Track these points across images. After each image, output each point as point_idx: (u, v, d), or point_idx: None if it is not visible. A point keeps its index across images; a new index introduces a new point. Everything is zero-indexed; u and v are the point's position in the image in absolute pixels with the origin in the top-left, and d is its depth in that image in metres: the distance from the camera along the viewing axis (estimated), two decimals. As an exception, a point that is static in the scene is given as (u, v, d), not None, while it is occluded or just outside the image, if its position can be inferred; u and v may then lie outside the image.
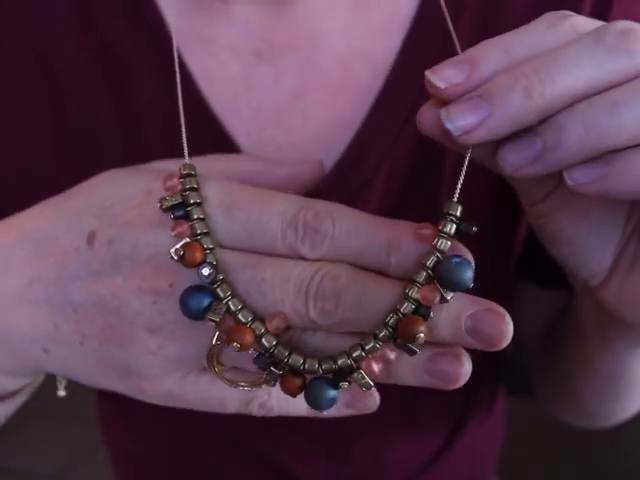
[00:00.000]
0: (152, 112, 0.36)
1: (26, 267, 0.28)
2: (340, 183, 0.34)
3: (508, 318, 0.23)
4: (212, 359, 0.25)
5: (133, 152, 0.34)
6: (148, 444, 0.50)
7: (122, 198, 0.26)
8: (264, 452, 0.47)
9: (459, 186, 0.24)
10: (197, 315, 0.24)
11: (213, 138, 0.36)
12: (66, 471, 1.84)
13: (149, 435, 0.49)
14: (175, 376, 0.27)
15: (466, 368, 0.24)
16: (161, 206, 0.25)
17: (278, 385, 0.25)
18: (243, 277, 0.24)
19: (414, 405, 0.47)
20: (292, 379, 0.24)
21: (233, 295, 0.24)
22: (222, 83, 0.37)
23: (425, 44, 0.36)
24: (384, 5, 0.36)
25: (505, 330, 0.23)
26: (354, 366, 0.24)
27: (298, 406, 0.28)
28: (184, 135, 0.28)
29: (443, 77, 0.22)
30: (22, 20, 0.38)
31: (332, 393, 0.24)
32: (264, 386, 0.26)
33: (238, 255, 0.24)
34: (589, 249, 0.28)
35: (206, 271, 0.24)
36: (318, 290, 0.23)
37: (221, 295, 0.24)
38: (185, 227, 0.24)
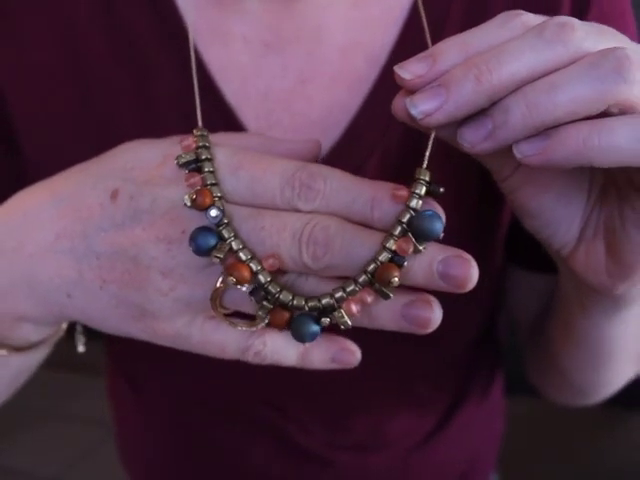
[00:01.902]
0: (169, 97, 0.40)
1: (53, 222, 0.31)
2: (337, 163, 0.36)
3: (474, 263, 0.27)
4: (215, 300, 0.29)
5: (151, 135, 0.36)
6: (154, 416, 0.53)
7: (142, 161, 0.30)
8: (265, 420, 0.48)
9: (427, 154, 0.28)
10: (204, 252, 0.27)
11: (225, 122, 0.39)
12: (66, 471, 1.84)
13: (155, 406, 0.52)
14: (184, 318, 0.30)
15: (436, 314, 0.28)
16: (178, 162, 0.28)
17: (271, 339, 0.30)
18: (245, 226, 0.28)
19: (411, 382, 0.49)
20: (281, 313, 0.28)
21: (236, 236, 0.28)
22: (233, 71, 0.40)
23: (420, 35, 0.38)
24: (382, 3, 0.40)
25: (471, 272, 0.26)
26: (336, 306, 0.28)
27: (288, 357, 0.31)
28: (199, 117, 0.33)
29: (409, 71, 0.26)
30: (52, 5, 0.41)
31: (314, 328, 0.28)
32: (260, 338, 0.30)
33: (242, 208, 0.28)
34: (556, 220, 0.31)
35: (214, 212, 0.27)
36: (310, 237, 0.27)
37: (225, 236, 0.27)
38: (197, 178, 0.28)
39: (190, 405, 0.50)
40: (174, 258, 0.28)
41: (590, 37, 0.25)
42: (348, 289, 0.27)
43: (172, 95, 0.40)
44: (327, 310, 0.28)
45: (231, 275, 0.27)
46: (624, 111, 0.24)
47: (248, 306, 0.29)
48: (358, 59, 0.39)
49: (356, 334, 0.31)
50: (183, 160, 0.28)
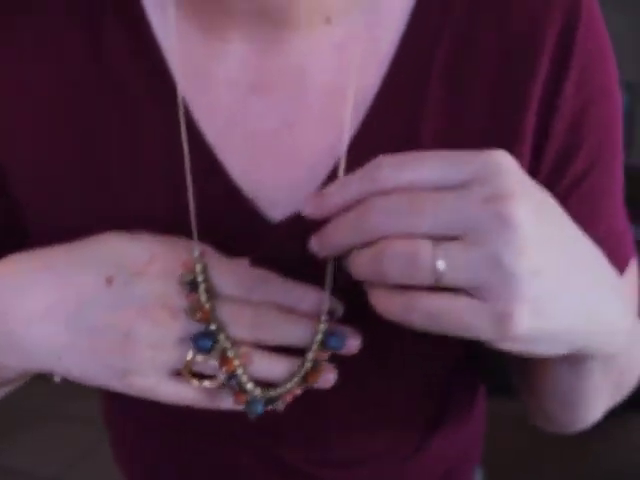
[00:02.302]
0: (156, 142, 0.41)
1: (48, 292, 0.36)
2: None
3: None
4: (187, 369, 0.36)
5: (140, 184, 0.41)
6: (147, 433, 0.54)
7: (131, 257, 0.36)
8: (249, 437, 0.49)
9: (329, 276, 0.37)
10: (204, 351, 0.36)
11: (209, 166, 0.40)
12: (66, 471, 1.84)
13: (147, 425, 0.54)
14: (159, 377, 0.36)
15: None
16: (181, 280, 0.36)
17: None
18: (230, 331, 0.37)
19: (390, 405, 0.49)
20: (243, 395, 0.38)
21: (226, 341, 0.37)
22: (219, 113, 0.41)
23: (405, 78, 0.39)
24: (365, 43, 0.39)
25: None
26: (279, 397, 0.38)
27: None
28: (187, 166, 0.39)
29: (310, 205, 0.33)
30: (43, 52, 0.42)
31: (260, 409, 0.38)
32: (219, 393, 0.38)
33: (230, 316, 0.37)
34: None
35: (213, 326, 0.36)
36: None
37: (220, 340, 0.37)
38: (195, 296, 0.36)
39: (177, 425, 0.50)
40: (162, 336, 0.35)
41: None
42: (288, 386, 0.38)
43: (158, 139, 0.41)
44: (272, 399, 0.38)
45: (222, 367, 0.36)
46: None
47: (214, 373, 0.37)
48: (343, 102, 0.39)
49: (334, 359, 0.38)
50: (185, 279, 0.36)
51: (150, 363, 0.35)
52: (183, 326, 0.35)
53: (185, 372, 0.36)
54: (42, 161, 0.42)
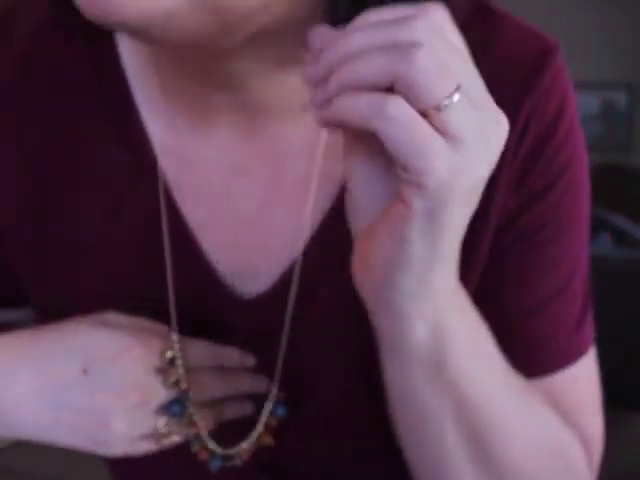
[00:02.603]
0: (135, 217, 0.44)
1: (34, 379, 0.40)
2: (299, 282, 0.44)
3: None
4: (159, 433, 0.42)
5: (119, 249, 0.44)
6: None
7: (107, 348, 0.40)
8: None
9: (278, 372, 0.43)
10: (177, 416, 0.42)
11: (185, 244, 0.43)
12: (66, 471, 1.84)
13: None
14: (134, 443, 0.41)
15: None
16: (162, 355, 0.41)
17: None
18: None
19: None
20: (204, 452, 0.44)
21: (194, 408, 0.42)
22: (199, 193, 0.43)
23: None
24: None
25: None
26: (235, 455, 0.45)
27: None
28: (167, 244, 0.42)
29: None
30: (22, 132, 0.44)
31: (219, 464, 0.44)
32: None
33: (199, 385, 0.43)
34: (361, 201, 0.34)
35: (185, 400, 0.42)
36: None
37: (189, 407, 0.42)
38: (172, 371, 0.41)
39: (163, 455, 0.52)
40: (137, 414, 0.40)
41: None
42: (243, 446, 0.44)
43: (139, 216, 0.43)
44: (231, 456, 0.44)
45: (190, 429, 0.42)
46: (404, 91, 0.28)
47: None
48: (316, 186, 0.42)
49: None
50: (168, 357, 0.41)
51: (128, 436, 0.40)
52: (155, 402, 0.41)
53: (157, 435, 0.42)
54: (25, 237, 0.46)
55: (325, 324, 0.43)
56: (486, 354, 0.39)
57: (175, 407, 0.41)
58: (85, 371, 0.40)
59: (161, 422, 0.41)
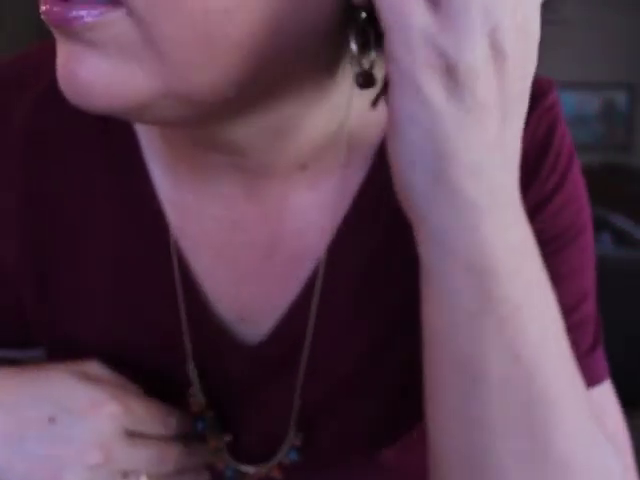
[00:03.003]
0: (146, 271, 0.45)
1: None
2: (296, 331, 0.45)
3: None
4: None
5: (131, 302, 0.44)
6: None
7: (78, 400, 0.40)
8: None
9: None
10: None
11: (195, 295, 0.44)
12: None
13: None
14: None
15: None
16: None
17: None
18: None
19: None
20: None
21: None
22: (204, 246, 0.44)
23: (366, 215, 0.43)
24: (333, 184, 0.43)
25: None
26: None
27: None
28: (181, 301, 0.43)
29: None
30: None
31: None
32: None
33: None
34: None
35: None
36: None
37: None
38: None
39: None
40: (93, 476, 0.39)
41: None
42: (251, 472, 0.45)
43: (150, 270, 0.44)
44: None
45: None
46: None
47: None
48: (312, 238, 0.43)
49: None
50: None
51: None
52: (116, 466, 0.40)
53: None
54: (31, 286, 0.46)
55: (333, 362, 0.44)
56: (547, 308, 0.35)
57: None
58: (52, 420, 0.40)
59: None
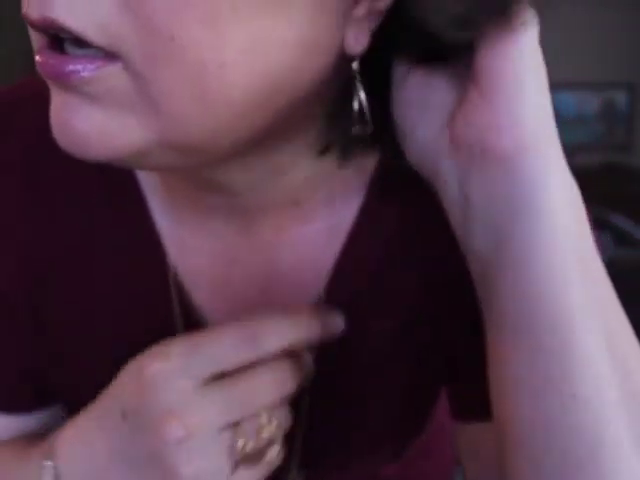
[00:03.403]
0: (147, 307, 0.45)
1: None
2: None
3: None
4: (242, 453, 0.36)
5: (130, 332, 0.44)
6: None
7: (151, 406, 0.36)
8: None
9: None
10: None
11: (192, 330, 0.43)
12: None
13: None
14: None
15: None
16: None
17: None
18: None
19: None
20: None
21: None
22: (203, 281, 0.45)
23: (362, 247, 0.44)
24: (327, 218, 0.43)
25: None
26: None
27: None
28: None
29: None
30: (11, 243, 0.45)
31: None
32: None
33: None
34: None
35: None
36: None
37: None
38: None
39: None
40: (206, 452, 0.35)
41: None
42: None
43: (148, 300, 0.44)
44: None
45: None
46: None
47: None
48: (308, 272, 0.44)
49: None
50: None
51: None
52: (209, 426, 0.35)
53: (241, 457, 0.35)
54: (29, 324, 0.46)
55: (334, 397, 0.45)
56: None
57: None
58: (125, 415, 0.37)
59: (240, 441, 0.35)
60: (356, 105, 0.34)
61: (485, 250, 0.33)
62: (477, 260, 0.34)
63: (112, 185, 0.43)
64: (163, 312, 0.44)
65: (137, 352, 0.42)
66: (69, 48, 0.29)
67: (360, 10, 0.31)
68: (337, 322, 0.41)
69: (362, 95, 0.34)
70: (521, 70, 0.32)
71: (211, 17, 0.27)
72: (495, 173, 0.31)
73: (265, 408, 0.36)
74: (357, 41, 0.31)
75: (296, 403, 0.43)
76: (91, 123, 0.29)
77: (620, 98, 3.82)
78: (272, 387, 0.36)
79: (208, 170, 0.37)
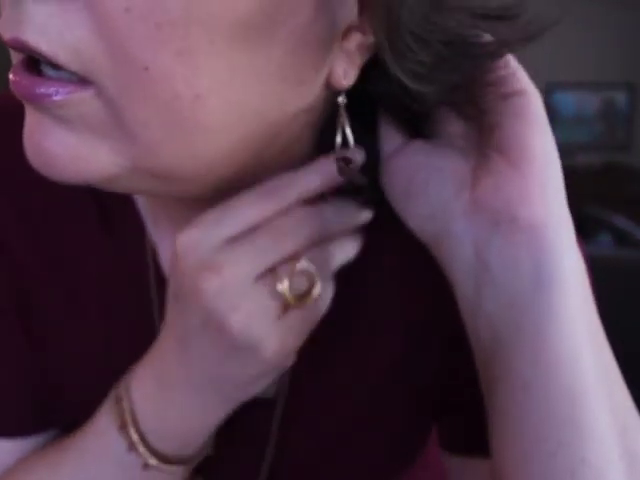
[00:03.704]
0: (130, 324, 0.43)
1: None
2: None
3: None
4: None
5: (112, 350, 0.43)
6: None
7: (187, 274, 0.34)
8: None
9: None
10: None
11: None
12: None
13: None
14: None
15: None
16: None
17: None
18: None
19: None
20: None
21: None
22: None
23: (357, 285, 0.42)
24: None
25: None
26: None
27: None
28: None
29: None
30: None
31: None
32: None
33: None
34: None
35: None
36: None
37: None
38: None
39: None
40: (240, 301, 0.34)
41: None
42: None
43: (134, 320, 0.42)
44: None
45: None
46: None
47: None
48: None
49: None
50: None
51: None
52: (241, 273, 0.34)
53: (286, 299, 0.34)
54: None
55: (301, 444, 0.44)
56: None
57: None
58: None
59: (283, 282, 0.34)
60: (339, 138, 0.34)
61: (498, 313, 0.33)
62: (487, 322, 0.34)
63: (105, 199, 0.42)
64: (158, 325, 0.42)
65: (129, 367, 0.41)
66: (45, 68, 0.28)
67: (350, 44, 0.30)
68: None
69: (347, 129, 0.34)
70: (547, 141, 0.33)
71: (186, 49, 0.26)
72: (521, 240, 0.32)
73: (296, 251, 0.35)
74: (346, 74, 0.31)
75: (287, 431, 0.43)
76: (64, 146, 0.29)
77: (620, 98, 3.82)
78: (299, 231, 0.35)
79: (191, 199, 0.36)
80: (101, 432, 0.39)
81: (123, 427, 0.38)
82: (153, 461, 0.38)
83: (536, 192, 0.32)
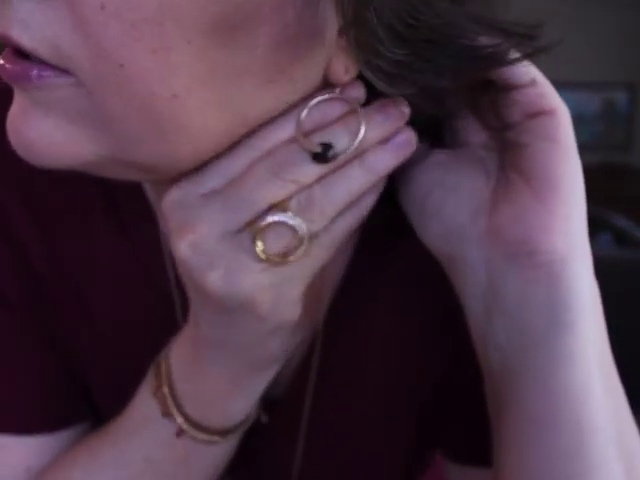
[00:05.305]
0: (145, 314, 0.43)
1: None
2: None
3: None
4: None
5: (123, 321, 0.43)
6: None
7: (170, 233, 0.33)
8: None
9: None
10: None
11: None
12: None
13: None
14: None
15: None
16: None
17: None
18: None
19: None
20: None
21: None
22: None
23: (361, 282, 0.42)
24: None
25: None
26: None
27: None
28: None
29: None
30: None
31: None
32: None
33: None
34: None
35: None
36: None
37: None
38: None
39: None
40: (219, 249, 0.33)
41: None
42: None
43: (153, 315, 0.43)
44: None
45: None
46: None
47: None
48: (307, 305, 0.40)
49: None
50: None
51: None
52: (220, 229, 0.32)
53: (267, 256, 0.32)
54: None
55: (332, 430, 0.44)
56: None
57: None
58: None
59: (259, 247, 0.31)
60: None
61: (509, 345, 0.32)
62: (497, 351, 0.33)
63: (115, 189, 0.42)
64: (167, 323, 0.43)
65: (142, 363, 0.41)
66: (32, 57, 0.28)
67: (344, 41, 0.29)
68: None
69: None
70: (574, 167, 0.32)
71: (162, 47, 0.26)
72: (539, 277, 0.31)
73: (272, 203, 0.31)
74: (347, 70, 0.30)
75: (292, 434, 0.43)
76: (40, 132, 0.29)
77: (620, 98, 3.82)
78: (272, 181, 0.31)
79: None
80: (138, 400, 0.39)
81: (158, 389, 0.38)
82: (186, 427, 0.38)
83: (558, 226, 0.31)
